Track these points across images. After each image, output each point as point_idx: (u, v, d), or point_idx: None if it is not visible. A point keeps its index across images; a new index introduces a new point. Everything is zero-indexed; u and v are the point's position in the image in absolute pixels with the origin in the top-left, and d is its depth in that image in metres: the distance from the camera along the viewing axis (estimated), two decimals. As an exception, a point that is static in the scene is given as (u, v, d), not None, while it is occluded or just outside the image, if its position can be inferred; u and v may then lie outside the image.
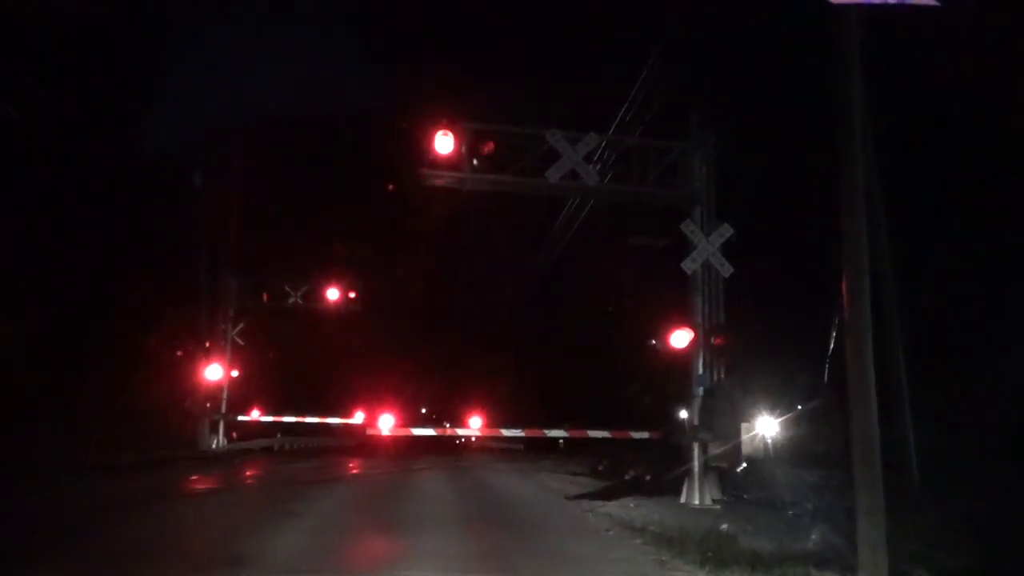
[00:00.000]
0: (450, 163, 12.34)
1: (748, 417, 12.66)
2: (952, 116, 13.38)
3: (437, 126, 12.19)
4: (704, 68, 14.19)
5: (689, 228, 12.76)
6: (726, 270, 12.68)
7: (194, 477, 17.02)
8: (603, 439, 18.86)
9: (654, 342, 15.66)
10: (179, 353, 24.00)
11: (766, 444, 13.04)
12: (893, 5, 6.85)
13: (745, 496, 12.28)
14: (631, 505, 11.90)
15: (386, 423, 18.51)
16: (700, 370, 12.79)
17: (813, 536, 8.73)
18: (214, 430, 24.19)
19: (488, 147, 12.30)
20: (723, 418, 12.47)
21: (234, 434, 24.91)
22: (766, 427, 13.01)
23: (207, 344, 24.44)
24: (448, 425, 25.23)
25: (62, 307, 17.54)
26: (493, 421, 22.49)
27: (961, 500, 9.96)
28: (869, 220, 7.57)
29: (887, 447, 7.41)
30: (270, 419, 26.35)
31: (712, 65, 14.66)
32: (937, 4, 5.75)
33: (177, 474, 17.27)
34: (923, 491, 10.83)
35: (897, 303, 11.70)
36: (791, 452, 16.21)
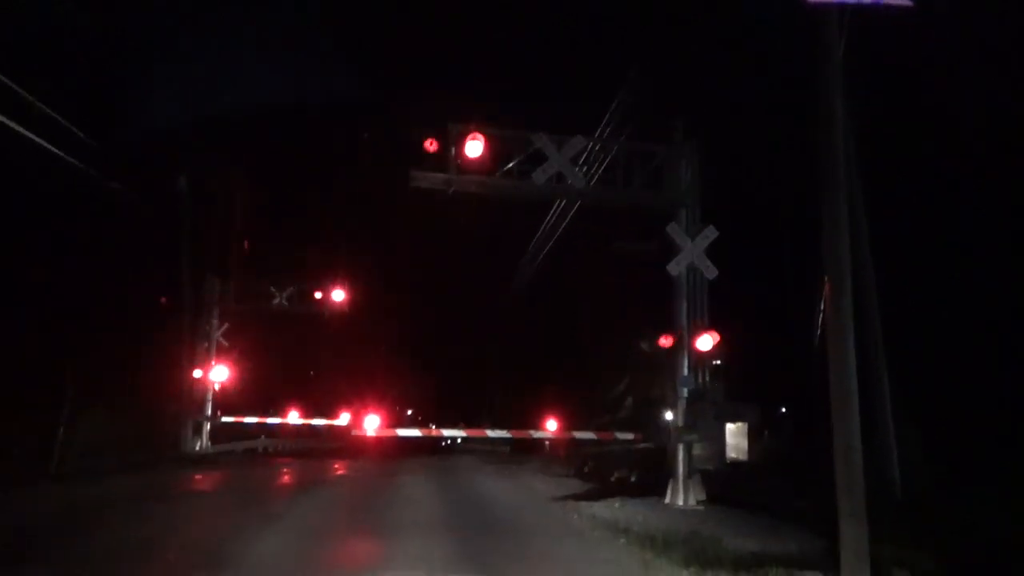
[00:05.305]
0: (437, 165, 12.35)
1: (732, 419, 12.75)
2: (934, 120, 13.54)
3: (424, 128, 12.20)
4: (690, 72, 14.27)
5: (674, 231, 12.83)
6: (711, 272, 12.76)
7: (176, 480, 16.90)
8: (589, 440, 18.92)
9: (640, 344, 15.76)
10: (163, 355, 23.81)
11: (749, 446, 13.15)
12: (869, 4, 6.95)
13: (729, 498, 12.36)
14: (616, 506, 11.95)
15: (371, 424, 18.44)
16: (685, 372, 12.86)
17: (796, 538, 8.81)
18: (197, 432, 24.03)
19: (475, 149, 12.30)
20: (707, 420, 12.54)
21: (208, 440, 24.68)
22: (749, 429, 13.12)
23: (191, 345, 24.28)
24: (434, 426, 25.16)
25: (39, 309, 17.32)
26: (479, 422, 22.50)
27: (942, 506, 10.07)
28: (851, 226, 7.66)
29: (869, 454, 7.49)
30: (254, 420, 26.19)
31: (698, 69, 14.75)
32: (910, 4, 5.85)
33: (159, 477, 17.14)
34: (905, 497, 10.93)
35: (879, 309, 11.81)
36: (774, 455, 16.34)
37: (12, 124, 12.00)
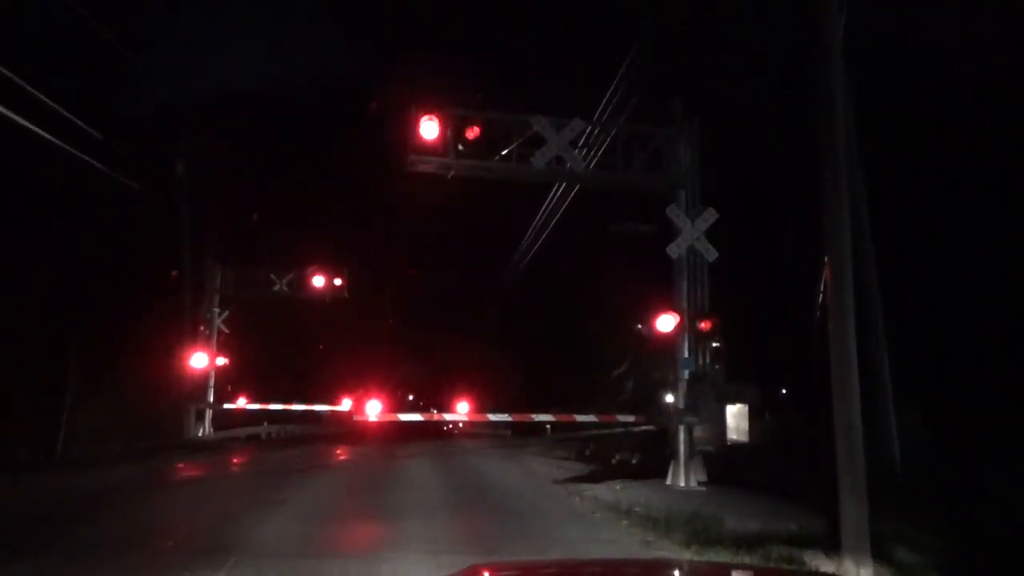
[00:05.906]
0: (435, 149, 12.28)
1: (733, 401, 12.77)
2: (935, 104, 13.49)
3: (422, 112, 12.12)
4: (688, 53, 14.18)
5: (674, 213, 12.81)
6: (711, 254, 12.75)
7: (180, 466, 16.98)
8: (590, 423, 18.99)
9: (640, 327, 15.77)
10: (165, 342, 23.85)
11: (750, 427, 13.17)
12: None
13: (730, 478, 12.42)
14: (617, 488, 12.01)
15: (373, 409, 18.47)
16: (685, 354, 12.88)
17: (797, 517, 8.86)
18: (200, 419, 24.13)
19: (473, 133, 12.24)
20: (708, 402, 12.57)
21: (211, 427, 24.76)
22: (750, 411, 13.14)
23: (192, 333, 24.32)
24: (435, 411, 25.24)
25: (40, 298, 17.33)
26: (480, 406, 22.55)
27: (942, 486, 10.11)
28: (851, 206, 7.64)
29: (869, 435, 7.51)
30: (256, 407, 26.28)
31: (696, 51, 14.66)
32: None
33: (163, 464, 17.21)
34: (905, 477, 10.97)
35: (879, 291, 11.80)
36: (775, 436, 16.39)
37: (12, 115, 11.94)
